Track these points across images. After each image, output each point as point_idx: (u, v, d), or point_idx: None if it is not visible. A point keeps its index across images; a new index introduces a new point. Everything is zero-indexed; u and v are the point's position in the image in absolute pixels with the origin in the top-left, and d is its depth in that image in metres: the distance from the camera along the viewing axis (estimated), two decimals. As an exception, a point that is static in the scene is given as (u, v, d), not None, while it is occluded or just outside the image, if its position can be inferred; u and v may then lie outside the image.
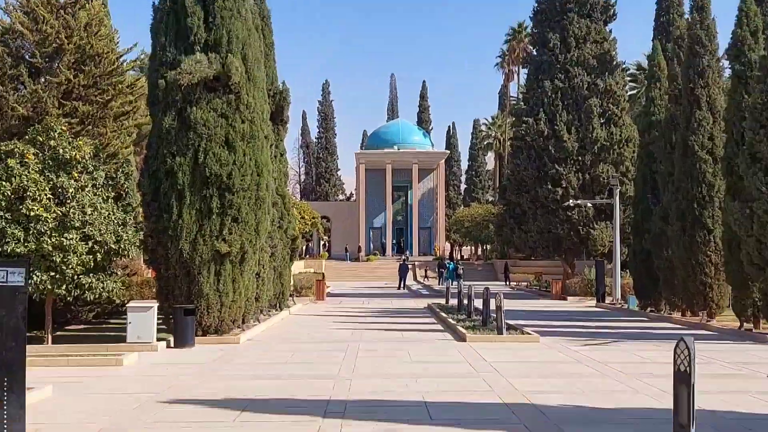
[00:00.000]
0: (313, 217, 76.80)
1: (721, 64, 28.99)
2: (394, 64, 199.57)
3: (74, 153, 19.66)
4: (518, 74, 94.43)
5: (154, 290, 24.32)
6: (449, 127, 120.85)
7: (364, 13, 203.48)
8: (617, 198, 38.59)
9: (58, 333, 23.96)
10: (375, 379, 14.52)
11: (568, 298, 43.22)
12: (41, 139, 19.89)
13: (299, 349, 19.74)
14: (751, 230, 22.08)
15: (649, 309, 32.74)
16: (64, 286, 19.24)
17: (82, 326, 26.11)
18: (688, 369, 8.63)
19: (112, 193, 20.60)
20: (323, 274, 56.29)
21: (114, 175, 21.08)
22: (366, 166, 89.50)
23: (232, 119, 21.03)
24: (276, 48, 32.16)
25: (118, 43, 30.94)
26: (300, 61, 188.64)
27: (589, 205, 43.79)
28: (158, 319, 22.20)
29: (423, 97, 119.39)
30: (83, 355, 17.51)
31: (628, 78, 55.60)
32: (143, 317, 19.77)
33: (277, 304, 31.41)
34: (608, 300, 38.65)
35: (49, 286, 19.01)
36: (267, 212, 22.10)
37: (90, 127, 27.89)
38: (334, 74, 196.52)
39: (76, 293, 19.60)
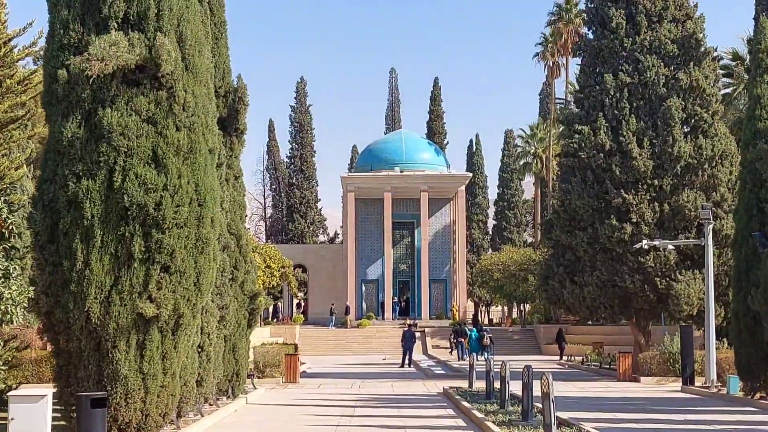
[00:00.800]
0: (283, 267, 75.89)
1: None
2: (395, 57, 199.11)
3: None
4: (567, 67, 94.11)
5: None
6: (471, 141, 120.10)
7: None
8: (709, 237, 37.58)
9: None
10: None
11: (642, 379, 42.03)
12: None
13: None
14: None
15: (758, 395, 31.66)
16: None
17: None
18: None
19: (-10, 233, 19.76)
20: (296, 345, 55.46)
21: (-7, 207, 20.25)
22: (357, 195, 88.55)
23: (163, 126, 20.15)
24: (230, 31, 31.33)
25: (6, 22, 30.27)
26: (267, 53, 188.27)
27: (671, 247, 42.68)
28: (57, 412, 21.27)
29: (435, 100, 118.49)
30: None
31: (721, 71, 54.65)
32: (32, 411, 18.79)
33: (230, 389, 30.41)
34: (699, 382, 37.54)
35: None
36: (212, 258, 21.14)
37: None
38: (313, 71, 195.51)
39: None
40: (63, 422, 20.72)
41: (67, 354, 20.24)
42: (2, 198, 20.40)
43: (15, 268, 19.41)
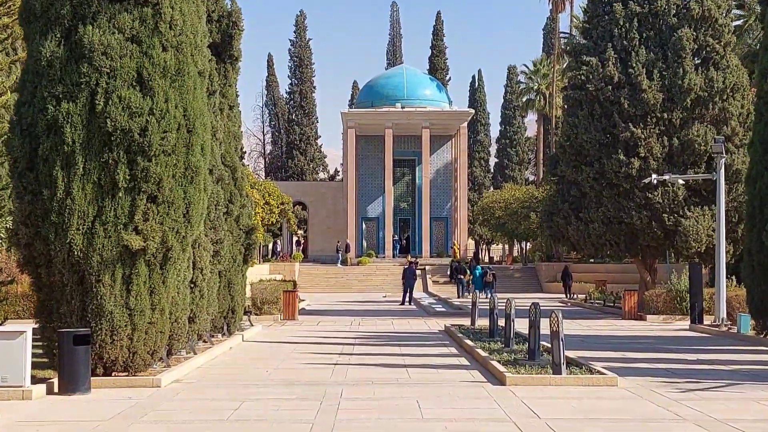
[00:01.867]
0: (283, 203, 74.87)
1: None
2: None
3: None
4: (572, 1, 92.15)
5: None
6: (473, 77, 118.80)
7: None
8: (721, 172, 36.35)
9: None
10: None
11: (648, 317, 41.10)
12: None
13: (251, 396, 17.53)
14: None
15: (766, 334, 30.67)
16: None
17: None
18: None
19: (-35, 159, 18.50)
20: (295, 282, 54.69)
21: (-33, 130, 18.96)
22: (357, 132, 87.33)
23: (149, 45, 18.85)
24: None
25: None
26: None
27: (680, 182, 41.46)
28: (38, 350, 20.21)
29: (437, 35, 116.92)
30: None
31: (733, 2, 53.01)
32: (10, 348, 17.62)
33: (225, 327, 29.44)
34: (708, 320, 36.55)
35: None
36: (203, 188, 19.91)
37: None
38: (314, 4, 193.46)
39: None
40: (45, 359, 19.69)
41: (49, 288, 19.15)
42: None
43: (-10, 195, 18.16)
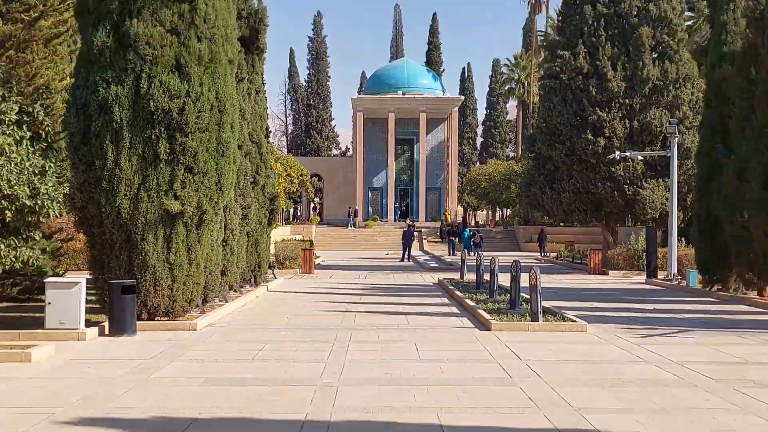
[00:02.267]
0: (302, 175, 74.53)
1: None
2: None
3: (-29, 77, 17.06)
4: (547, 4, 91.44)
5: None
6: (464, 69, 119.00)
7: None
8: (675, 150, 35.92)
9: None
10: (369, 388, 12.00)
11: (610, 272, 40.78)
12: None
13: (273, 339, 17.23)
14: None
15: (715, 287, 30.29)
16: (-40, 255, 16.85)
17: (3, 304, 23.84)
18: None
19: (27, 133, 18.04)
20: (312, 242, 54.42)
21: (30, 110, 18.48)
22: (365, 115, 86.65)
23: (186, 37, 18.43)
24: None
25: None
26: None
27: (639, 158, 41.09)
28: (92, 297, 19.88)
29: (433, 32, 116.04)
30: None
31: (685, 5, 52.36)
32: (67, 296, 17.30)
33: (252, 279, 29.16)
34: (662, 275, 36.25)
35: (-61, 255, 16.60)
36: (233, 161, 19.53)
37: (12, 51, 25.41)
38: (329, 5, 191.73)
39: (-24, 263, 17.15)
40: (98, 306, 19.41)
41: (101, 245, 18.86)
42: (39, 102, 18.62)
43: (50, 166, 17.71)
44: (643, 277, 37.56)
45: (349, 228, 79.95)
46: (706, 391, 11.99)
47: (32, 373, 13.30)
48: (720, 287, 30.09)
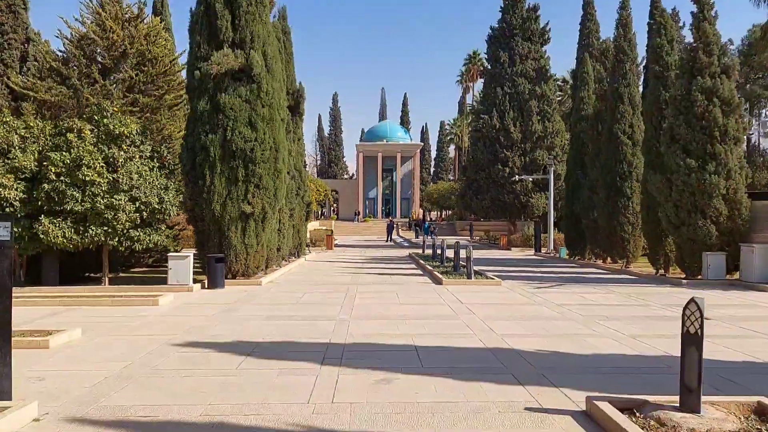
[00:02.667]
0: (325, 190, 73.73)
1: (639, 69, 25.80)
2: (384, 80, 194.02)
3: (123, 129, 16.48)
4: (473, 88, 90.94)
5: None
6: (423, 126, 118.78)
7: (362, 40, 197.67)
8: (551, 174, 35.49)
9: (123, 274, 21.20)
10: (369, 321, 11.53)
11: (512, 248, 40.28)
12: (96, 118, 16.70)
13: (308, 290, 16.72)
14: (669, 196, 19.24)
15: (576, 257, 29.92)
16: (116, 239, 16.28)
17: (144, 269, 23.31)
18: (699, 331, 5.68)
19: (157, 164, 17.49)
20: (332, 230, 53.46)
21: (158, 149, 17.93)
22: (363, 154, 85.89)
23: (254, 104, 17.87)
24: (295, 59, 28.69)
25: (175, 52, 27.71)
26: (316, 78, 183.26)
27: (530, 180, 40.70)
28: (197, 266, 19.34)
29: (405, 104, 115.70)
30: (126, 296, 14.47)
31: (558, 87, 51.97)
32: (181, 264, 16.76)
33: (296, 253, 28.52)
34: (543, 250, 35.86)
35: (103, 238, 16.04)
36: (283, 181, 19.00)
37: (148, 114, 24.77)
38: (342, 87, 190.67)
39: (126, 244, 16.58)
40: (201, 270, 18.85)
41: (202, 233, 18.30)
42: (164, 145, 18.07)
43: (170, 184, 17.17)
44: (532, 252, 37.12)
45: (354, 222, 79.14)
46: (578, 323, 11.58)
47: (158, 312, 12.77)
48: (579, 258, 29.72)
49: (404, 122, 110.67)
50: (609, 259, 26.83)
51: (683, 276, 19.98)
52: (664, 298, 15.37)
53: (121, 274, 21.32)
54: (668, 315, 12.55)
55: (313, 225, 56.28)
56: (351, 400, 6.57)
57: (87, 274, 19.92)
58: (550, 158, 36.66)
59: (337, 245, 43.75)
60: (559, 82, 54.77)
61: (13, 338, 9.11)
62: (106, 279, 17.14)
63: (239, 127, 17.53)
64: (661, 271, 21.51)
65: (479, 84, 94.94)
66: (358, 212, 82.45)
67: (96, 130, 16.49)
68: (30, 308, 13.20)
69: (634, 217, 24.53)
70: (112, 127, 16.34)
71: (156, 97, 24.89)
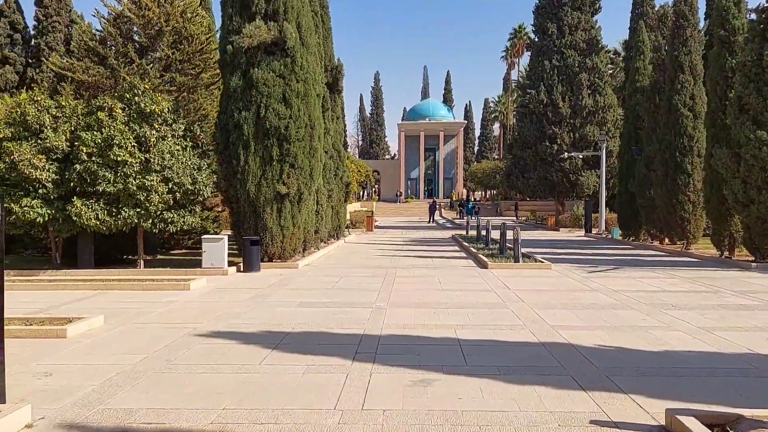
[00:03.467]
0: (367, 171, 72.91)
1: (700, 35, 23.85)
2: (427, 58, 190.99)
3: (154, 107, 15.90)
4: (518, 64, 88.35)
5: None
6: (467, 104, 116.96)
7: (405, 17, 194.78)
8: (604, 151, 33.77)
9: (161, 256, 20.93)
10: (407, 310, 10.65)
11: (560, 229, 38.79)
12: (128, 96, 16.18)
13: (345, 274, 15.93)
14: (737, 172, 17.61)
15: (630, 238, 28.35)
16: (150, 220, 15.79)
17: (183, 251, 23.05)
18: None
19: (190, 143, 16.90)
20: (372, 211, 52.82)
21: (192, 128, 17.33)
22: (405, 134, 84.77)
23: (289, 79, 17.01)
24: (335, 38, 27.72)
25: (212, 29, 27.10)
26: (357, 57, 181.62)
27: (580, 157, 38.90)
28: (234, 248, 18.81)
29: (447, 82, 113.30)
30: (157, 280, 13.97)
31: (610, 56, 49.45)
32: (215, 247, 16.22)
33: (335, 234, 27.82)
34: (594, 231, 34.27)
35: (136, 220, 15.58)
36: (319, 160, 18.17)
37: (185, 94, 24.31)
38: (383, 66, 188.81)
39: (160, 226, 16.10)
40: (236, 252, 18.31)
41: (237, 215, 17.66)
42: (197, 123, 17.46)
43: (204, 164, 16.57)
44: (582, 232, 35.58)
45: (397, 203, 78.35)
46: (641, 312, 10.43)
47: (188, 297, 12.19)
48: (633, 239, 28.17)
49: (447, 100, 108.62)
50: (667, 240, 25.24)
51: (752, 258, 18.40)
52: (734, 283, 13.98)
53: (160, 257, 21.02)
54: (744, 303, 11.25)
55: (353, 206, 55.68)
56: (384, 406, 5.72)
57: (125, 257, 19.69)
58: (601, 134, 34.87)
59: (377, 227, 42.97)
60: (610, 54, 52.19)
61: (29, 327, 8.62)
62: (142, 262, 16.75)
63: (273, 103, 16.75)
64: (726, 254, 19.92)
65: (525, 59, 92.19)
66: (400, 193, 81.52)
67: (127, 108, 15.98)
68: (60, 292, 12.83)
69: (695, 195, 22.87)
70: (143, 106, 15.80)
71: (193, 76, 24.36)
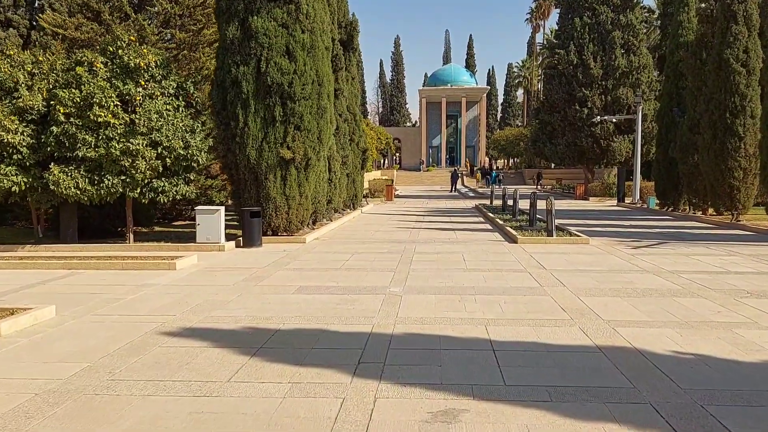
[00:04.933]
0: (387, 138, 70.71)
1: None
2: (448, 21, 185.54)
3: (139, 61, 14.01)
4: (543, 27, 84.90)
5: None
6: (489, 69, 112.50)
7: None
8: (640, 114, 31.27)
9: (159, 228, 19.39)
10: (427, 297, 8.80)
11: (590, 198, 36.54)
12: (111, 49, 14.31)
13: (357, 250, 14.11)
14: (806, 134, 15.30)
15: (669, 208, 26.11)
16: (138, 189, 14.07)
17: (186, 222, 21.46)
18: None
19: (183, 103, 15.04)
20: (392, 180, 51.01)
21: (185, 85, 15.44)
22: (427, 100, 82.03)
23: (292, 29, 14.99)
24: (353, 2, 25.38)
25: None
26: (377, 21, 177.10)
27: (613, 120, 36.31)
28: (236, 219, 17.09)
29: (470, 47, 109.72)
30: (141, 258, 12.28)
31: (645, 14, 46.17)
32: (211, 219, 14.46)
33: (351, 204, 26.04)
34: (628, 200, 31.99)
35: (120, 189, 13.86)
36: (328, 122, 16.19)
37: (186, 51, 22.42)
38: (404, 30, 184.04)
39: (150, 195, 14.37)
40: (237, 224, 16.59)
41: (237, 183, 15.88)
42: (190, 80, 15.54)
43: (197, 125, 14.72)
44: (614, 202, 33.36)
45: (419, 172, 76.21)
46: (712, 302, 8.45)
47: (170, 279, 10.46)
48: (672, 209, 25.93)
49: (469, 65, 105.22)
50: (711, 210, 23.00)
51: (818, 232, 16.19)
52: (812, 263, 11.88)
53: (159, 228, 19.44)
54: (837, 291, 9.20)
55: (373, 175, 53.79)
56: (389, 461, 3.89)
57: (120, 229, 18.12)
58: (638, 95, 32.28)
59: (397, 196, 41.05)
60: (645, 12, 48.86)
61: (-44, 322, 6.93)
62: (131, 236, 15.10)
63: (275, 56, 14.78)
64: (786, 226, 17.73)
65: (551, 21, 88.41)
66: (422, 161, 79.21)
67: (110, 63, 14.14)
68: (29, 272, 11.21)
69: (746, 160, 20.56)
70: (126, 59, 13.93)
71: (194, 32, 22.45)
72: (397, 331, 6.90)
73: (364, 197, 31.67)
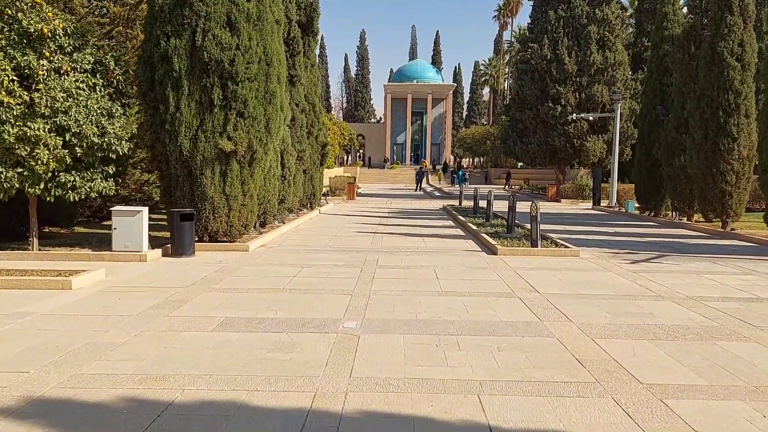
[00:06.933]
0: (351, 134, 68.27)
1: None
2: (415, 17, 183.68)
3: (41, 26, 11.36)
4: (512, 24, 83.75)
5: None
6: (456, 67, 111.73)
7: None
8: (618, 112, 29.66)
9: (81, 229, 16.72)
10: (393, 338, 6.53)
11: (562, 200, 34.89)
12: (10, 12, 11.60)
13: (309, 262, 11.75)
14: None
15: (650, 213, 24.50)
16: (41, 185, 11.45)
17: (106, 222, 18.73)
18: None
19: (101, 81, 12.42)
20: (355, 177, 48.90)
21: (104, 60, 12.81)
22: (392, 96, 79.99)
23: (235, -5, 12.57)
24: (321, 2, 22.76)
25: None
26: (343, 15, 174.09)
27: (590, 118, 34.63)
28: (165, 222, 14.52)
29: (436, 43, 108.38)
30: (28, 272, 9.68)
31: (621, 11, 44.79)
32: (130, 223, 11.90)
33: (309, 204, 23.66)
34: (604, 203, 30.38)
35: (17, 185, 11.22)
36: (279, 108, 13.78)
37: (120, 27, 19.67)
38: (370, 24, 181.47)
39: (57, 192, 11.75)
40: (169, 230, 14.00)
41: (168, 179, 13.37)
42: (110, 54, 12.94)
43: (117, 108, 12.14)
44: (587, 204, 31.76)
45: (385, 169, 74.03)
46: (765, 346, 6.44)
47: (55, 306, 7.93)
48: (653, 214, 24.33)
49: (436, 62, 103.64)
50: (697, 216, 21.40)
51: (826, 245, 14.55)
52: None
53: (80, 230, 16.73)
54: None
55: (335, 171, 51.38)
56: None
57: (45, 229, 15.40)
58: (616, 92, 30.64)
59: (360, 194, 38.78)
60: (618, 9, 47.62)
61: None
62: (35, 240, 12.42)
63: (213, 28, 12.32)
64: (788, 237, 16.09)
65: (519, 18, 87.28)
66: (387, 158, 77.04)
67: (7, 29, 11.45)
68: None
69: (739, 163, 18.93)
70: (26, 24, 11.27)
71: (131, 6, 19.70)
72: (349, 408, 4.63)
73: (323, 196, 29.35)
